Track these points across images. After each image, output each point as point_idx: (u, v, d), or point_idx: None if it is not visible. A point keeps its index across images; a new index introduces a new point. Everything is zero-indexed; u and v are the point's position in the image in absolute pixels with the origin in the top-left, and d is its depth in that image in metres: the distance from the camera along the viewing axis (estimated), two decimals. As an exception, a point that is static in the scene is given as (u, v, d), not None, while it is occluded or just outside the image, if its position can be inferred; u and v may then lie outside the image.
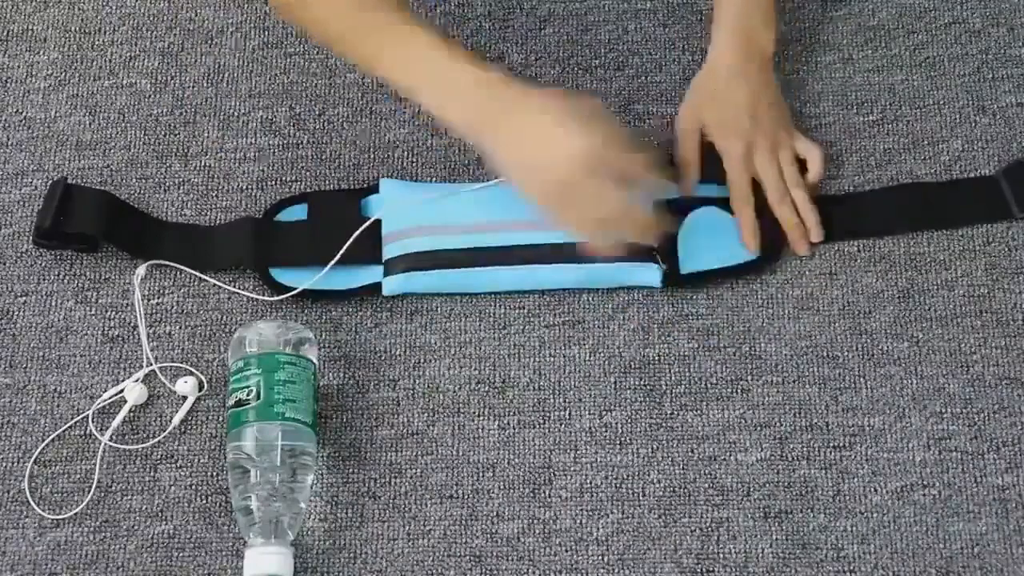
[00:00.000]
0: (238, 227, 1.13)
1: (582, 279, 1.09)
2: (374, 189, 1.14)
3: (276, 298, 1.09)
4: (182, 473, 1.05)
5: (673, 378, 1.07)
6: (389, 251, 1.10)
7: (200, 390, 1.07)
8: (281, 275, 1.10)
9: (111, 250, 1.13)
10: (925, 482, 1.03)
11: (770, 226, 1.11)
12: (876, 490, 1.03)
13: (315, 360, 1.05)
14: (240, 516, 1.00)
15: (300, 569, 1.01)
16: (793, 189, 1.11)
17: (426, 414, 1.07)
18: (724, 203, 1.12)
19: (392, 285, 1.09)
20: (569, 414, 1.06)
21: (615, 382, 1.07)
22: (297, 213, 1.13)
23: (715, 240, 1.10)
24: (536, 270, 1.09)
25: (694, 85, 1.13)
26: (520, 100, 0.98)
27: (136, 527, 1.03)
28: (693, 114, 1.12)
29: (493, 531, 1.02)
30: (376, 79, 1.18)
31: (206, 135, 1.18)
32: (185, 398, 1.06)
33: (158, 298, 1.11)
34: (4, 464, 1.05)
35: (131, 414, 1.06)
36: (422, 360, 1.09)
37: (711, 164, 1.12)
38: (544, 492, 1.04)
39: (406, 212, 1.12)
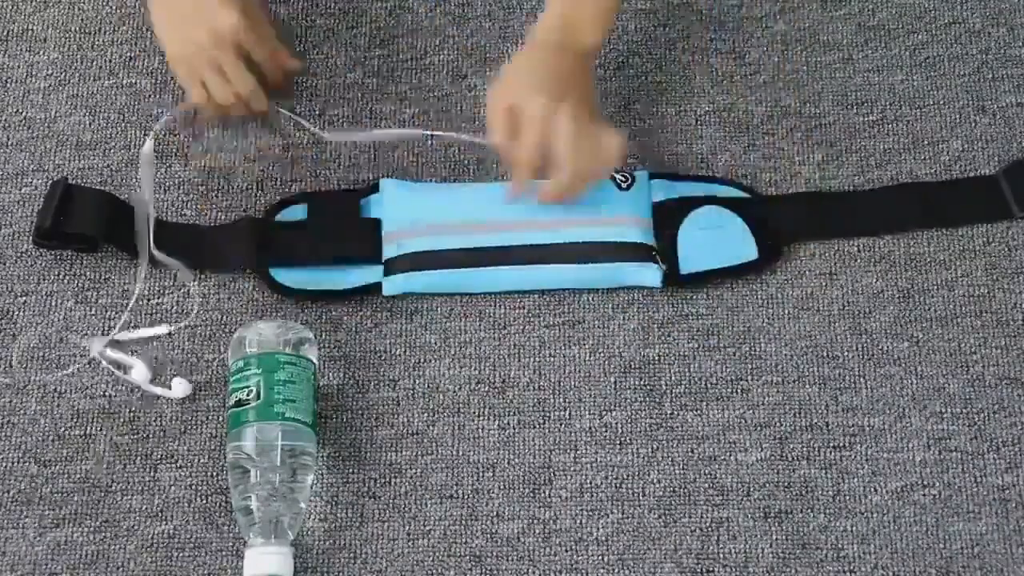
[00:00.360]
0: (238, 227, 1.13)
1: (582, 279, 1.09)
2: (374, 189, 1.14)
3: (277, 298, 1.10)
4: (182, 473, 1.05)
5: (673, 378, 1.07)
6: (389, 251, 1.10)
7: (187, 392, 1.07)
8: (281, 275, 1.10)
9: (111, 250, 1.13)
10: (925, 482, 1.03)
11: (770, 226, 1.11)
12: (876, 490, 1.03)
13: (315, 360, 1.05)
14: (240, 516, 1.00)
15: (300, 569, 1.01)
16: (590, 171, 1.08)
17: (426, 414, 1.07)
18: (724, 202, 1.12)
19: (392, 285, 1.09)
20: (569, 414, 1.06)
21: (615, 382, 1.07)
22: (297, 213, 1.13)
23: (715, 240, 1.10)
24: (536, 270, 1.09)
25: (508, 65, 1.09)
26: None
27: (136, 527, 1.03)
28: (499, 94, 1.06)
29: (493, 531, 1.02)
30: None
31: (206, 135, 1.18)
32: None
33: (158, 298, 1.11)
34: (4, 464, 1.05)
35: (131, 414, 1.06)
36: (422, 360, 1.08)
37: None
38: (544, 492, 1.04)
39: (406, 212, 1.12)
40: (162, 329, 1.09)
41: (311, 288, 1.10)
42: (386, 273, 1.10)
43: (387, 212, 1.12)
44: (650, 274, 1.08)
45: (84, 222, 1.11)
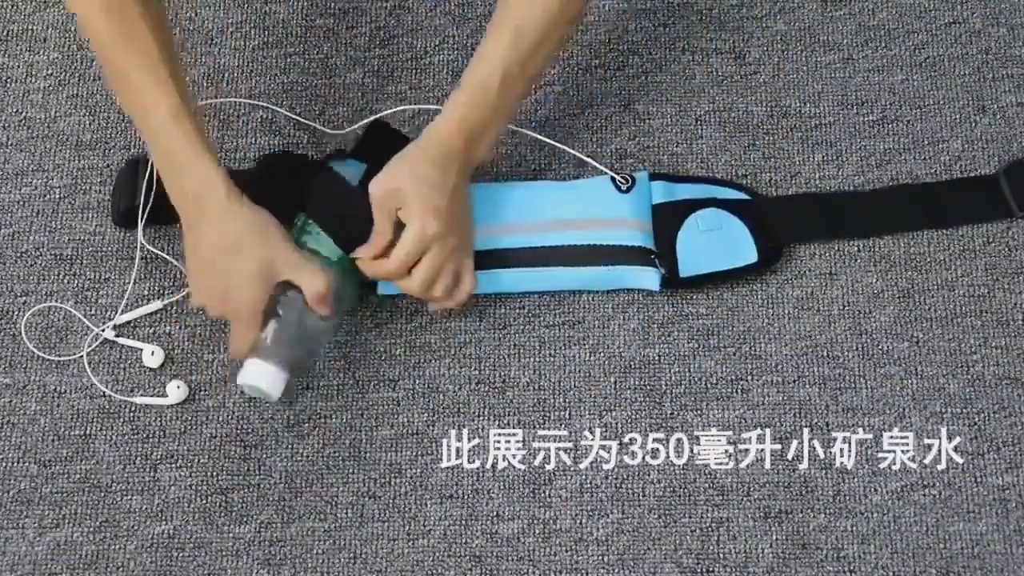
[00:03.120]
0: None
1: (581, 281, 1.09)
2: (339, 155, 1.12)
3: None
4: (182, 473, 1.05)
5: (673, 378, 1.07)
6: None
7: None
8: None
9: (111, 250, 1.13)
10: (925, 482, 1.03)
11: (769, 228, 1.11)
12: (876, 490, 1.03)
13: None
14: (264, 340, 1.01)
15: (300, 570, 1.01)
16: (437, 300, 1.05)
17: (426, 414, 1.07)
18: (724, 204, 1.12)
19: (389, 284, 1.09)
20: (569, 414, 1.06)
21: (615, 382, 1.07)
22: None
23: (714, 242, 1.10)
24: (535, 272, 1.09)
25: (396, 161, 1.03)
26: (206, 220, 0.98)
27: (136, 527, 1.03)
28: (387, 187, 1.02)
29: (493, 531, 1.02)
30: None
31: (206, 135, 1.18)
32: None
33: (158, 298, 1.11)
34: (4, 464, 1.05)
35: (131, 414, 1.07)
36: (422, 360, 1.08)
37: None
38: (544, 492, 1.04)
39: None
40: (156, 304, 1.09)
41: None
42: None
43: None
44: (649, 277, 1.08)
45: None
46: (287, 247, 1.00)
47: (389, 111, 1.16)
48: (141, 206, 1.09)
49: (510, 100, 1.04)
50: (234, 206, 0.98)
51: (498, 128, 1.05)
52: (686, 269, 1.09)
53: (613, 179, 1.11)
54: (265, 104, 1.17)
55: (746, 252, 1.10)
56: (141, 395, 1.07)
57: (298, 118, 1.18)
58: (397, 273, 1.02)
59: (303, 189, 1.06)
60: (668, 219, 1.10)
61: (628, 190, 1.11)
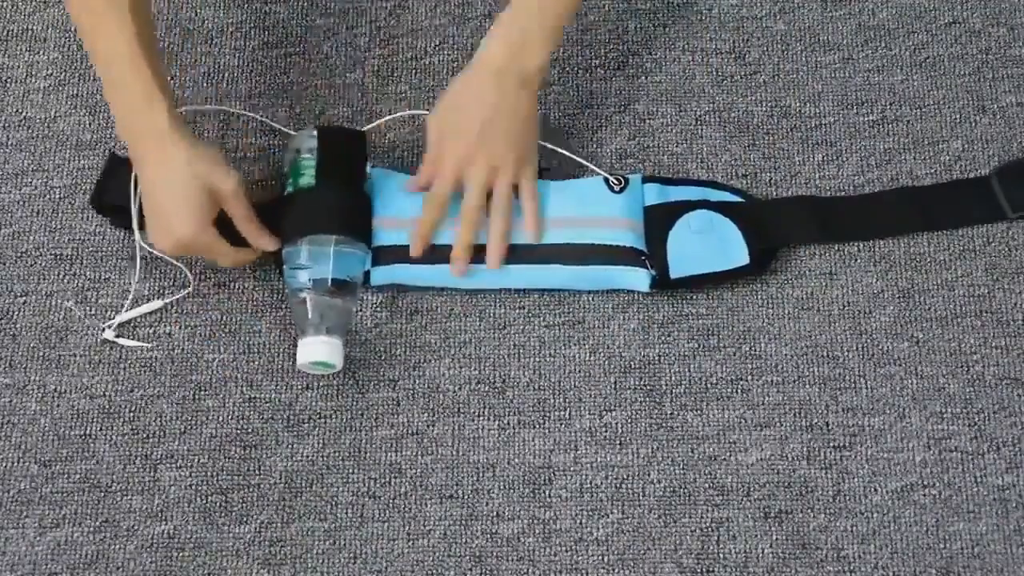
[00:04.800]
0: None
1: (571, 280, 1.09)
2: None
3: (278, 297, 1.09)
4: (182, 473, 1.05)
5: (673, 378, 1.07)
6: (379, 238, 1.10)
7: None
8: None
9: (111, 250, 1.13)
10: (925, 482, 1.03)
11: (763, 230, 1.10)
12: (876, 490, 1.03)
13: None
14: (296, 314, 1.06)
15: (300, 570, 1.01)
16: (494, 216, 1.08)
17: (426, 414, 1.07)
18: (717, 206, 1.11)
19: (380, 275, 1.09)
20: (569, 414, 1.06)
21: (615, 382, 1.07)
22: None
23: (706, 244, 1.09)
24: (525, 269, 1.09)
25: (449, 91, 1.09)
26: (160, 145, 1.01)
27: (136, 527, 1.03)
28: (436, 120, 1.09)
29: (493, 531, 1.02)
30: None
31: (206, 135, 1.18)
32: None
33: (158, 298, 1.11)
34: (4, 464, 1.06)
35: (131, 414, 1.07)
36: (422, 360, 1.09)
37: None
38: (544, 492, 1.04)
39: (393, 200, 1.11)
40: (156, 304, 1.10)
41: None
42: (375, 263, 1.09)
43: (375, 199, 1.11)
44: (639, 278, 1.08)
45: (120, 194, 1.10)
46: (233, 178, 1.03)
47: (390, 116, 1.16)
48: (135, 212, 1.09)
49: (554, 8, 1.07)
50: (180, 137, 1.01)
51: (545, 38, 1.07)
52: (677, 270, 1.08)
53: (606, 179, 1.11)
54: (217, 107, 1.17)
55: (737, 254, 1.09)
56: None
57: (298, 118, 1.18)
58: (441, 189, 1.07)
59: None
60: (659, 220, 1.10)
61: (621, 191, 1.11)
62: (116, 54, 1.00)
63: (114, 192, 1.10)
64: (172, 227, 1.02)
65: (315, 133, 1.08)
